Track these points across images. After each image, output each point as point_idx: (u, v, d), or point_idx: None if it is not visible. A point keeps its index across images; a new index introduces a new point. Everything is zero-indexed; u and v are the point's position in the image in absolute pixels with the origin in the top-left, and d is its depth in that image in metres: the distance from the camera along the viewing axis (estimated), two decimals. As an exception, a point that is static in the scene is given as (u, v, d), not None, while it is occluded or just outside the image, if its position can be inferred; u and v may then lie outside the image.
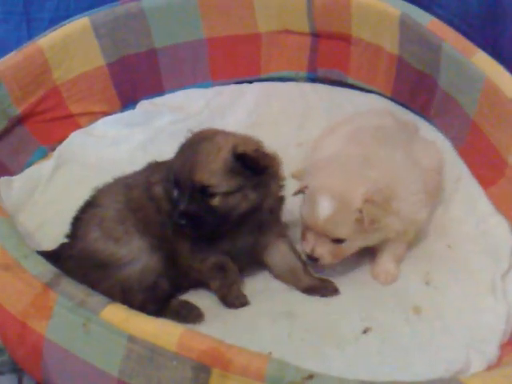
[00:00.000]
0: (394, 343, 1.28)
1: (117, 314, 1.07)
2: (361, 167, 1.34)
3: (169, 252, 1.32)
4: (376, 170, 1.34)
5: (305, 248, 1.36)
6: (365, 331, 1.31)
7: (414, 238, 1.46)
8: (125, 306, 1.10)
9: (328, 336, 1.29)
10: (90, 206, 1.36)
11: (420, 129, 1.69)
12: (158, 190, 1.34)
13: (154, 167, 1.40)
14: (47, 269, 1.14)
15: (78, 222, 1.36)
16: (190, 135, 1.32)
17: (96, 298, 1.10)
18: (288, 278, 1.40)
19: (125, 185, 1.38)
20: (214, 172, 1.23)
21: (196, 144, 1.27)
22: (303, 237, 1.37)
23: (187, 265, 1.33)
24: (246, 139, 1.30)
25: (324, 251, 1.34)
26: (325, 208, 1.29)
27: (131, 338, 1.03)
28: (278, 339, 1.29)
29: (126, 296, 1.27)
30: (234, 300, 1.35)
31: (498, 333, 1.29)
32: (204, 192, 1.24)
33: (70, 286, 1.12)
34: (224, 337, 1.22)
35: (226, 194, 1.25)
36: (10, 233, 1.20)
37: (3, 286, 1.14)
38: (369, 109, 1.76)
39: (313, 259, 1.35)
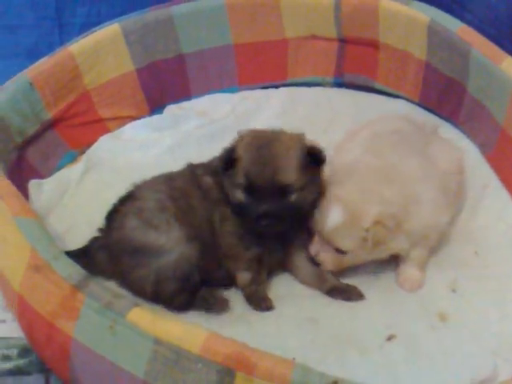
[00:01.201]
0: (418, 351, 1.27)
1: (143, 317, 1.08)
2: (377, 183, 1.34)
3: (204, 242, 1.35)
4: (392, 188, 1.34)
5: (310, 249, 1.38)
6: (389, 338, 1.30)
7: (437, 243, 1.45)
8: (151, 308, 1.12)
9: (352, 343, 1.29)
10: (128, 198, 1.40)
11: (439, 126, 1.70)
12: (207, 179, 1.38)
13: (194, 165, 1.45)
14: (76, 271, 1.17)
15: (115, 214, 1.39)
16: (239, 137, 1.34)
17: (123, 301, 1.12)
18: (313, 280, 1.42)
19: (167, 177, 1.42)
20: (292, 170, 1.28)
21: (266, 147, 1.29)
22: (312, 239, 1.39)
23: (226, 253, 1.37)
24: (299, 135, 1.35)
25: (326, 258, 1.36)
26: (334, 218, 1.31)
27: (157, 341, 1.04)
28: (301, 345, 1.29)
29: (158, 285, 1.31)
30: (260, 301, 1.37)
31: (526, 341, 1.27)
32: (284, 191, 1.28)
33: (97, 287, 1.14)
34: (248, 340, 1.23)
35: (301, 189, 1.29)
36: (40, 234, 1.23)
37: (33, 287, 1.16)
38: (385, 114, 1.75)
39: (315, 263, 1.38)
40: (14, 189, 1.35)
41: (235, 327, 1.32)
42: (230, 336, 1.10)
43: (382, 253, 1.36)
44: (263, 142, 1.30)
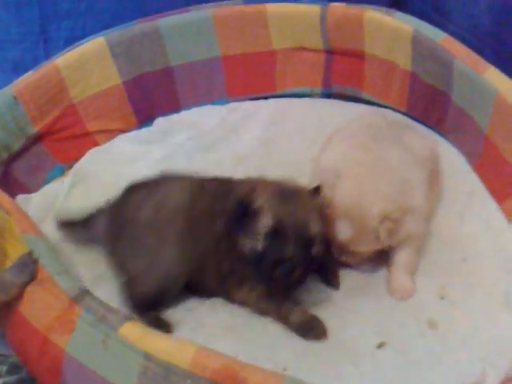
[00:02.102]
0: (408, 358, 1.28)
1: (134, 332, 1.08)
2: (371, 179, 1.37)
3: (201, 267, 1.35)
4: (386, 179, 1.37)
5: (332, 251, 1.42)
6: (380, 346, 1.31)
7: (422, 243, 1.47)
8: (141, 324, 1.12)
9: (343, 351, 1.29)
10: (155, 184, 1.39)
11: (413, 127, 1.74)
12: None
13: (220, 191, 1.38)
14: (76, 285, 1.18)
15: (137, 189, 1.39)
16: (250, 188, 1.30)
17: (115, 315, 1.12)
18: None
19: (196, 185, 1.38)
20: (317, 221, 1.28)
21: (292, 199, 1.28)
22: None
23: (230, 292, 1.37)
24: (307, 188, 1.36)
25: (349, 259, 1.42)
26: (343, 232, 1.35)
27: (147, 356, 1.04)
28: (292, 355, 1.29)
29: (137, 282, 1.33)
30: (303, 328, 1.33)
31: (514, 347, 1.28)
32: (311, 242, 1.27)
33: (93, 301, 1.15)
34: (239, 351, 1.24)
35: (320, 241, 1.30)
36: (46, 251, 1.25)
37: (33, 300, 1.17)
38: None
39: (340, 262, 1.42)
40: (19, 206, 1.36)
41: (225, 338, 1.31)
42: (219, 348, 1.11)
43: (397, 237, 1.39)
44: (287, 193, 1.29)
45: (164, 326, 1.31)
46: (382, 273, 1.48)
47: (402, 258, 1.44)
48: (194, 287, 1.39)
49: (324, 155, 1.56)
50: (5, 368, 1.29)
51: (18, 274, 1.17)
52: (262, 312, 1.36)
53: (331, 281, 1.44)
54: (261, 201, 1.27)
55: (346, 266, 1.46)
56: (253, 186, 1.31)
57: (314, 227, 1.28)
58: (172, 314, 1.38)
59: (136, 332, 1.09)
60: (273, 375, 1.01)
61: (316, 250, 1.29)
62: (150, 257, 1.33)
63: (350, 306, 1.40)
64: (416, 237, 1.43)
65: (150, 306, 1.35)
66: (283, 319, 1.34)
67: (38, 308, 1.17)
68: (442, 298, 1.42)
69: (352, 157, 1.43)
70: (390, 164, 1.41)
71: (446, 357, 1.28)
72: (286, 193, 1.30)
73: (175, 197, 1.36)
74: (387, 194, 1.34)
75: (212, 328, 1.35)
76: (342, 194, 1.36)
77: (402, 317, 1.37)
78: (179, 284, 1.36)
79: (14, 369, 1.29)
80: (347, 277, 1.46)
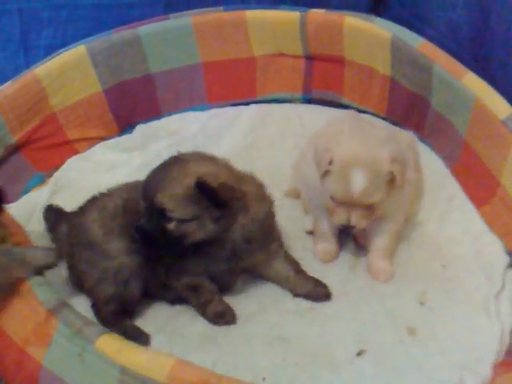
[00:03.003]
0: (388, 365, 1.28)
1: (110, 345, 1.08)
2: (367, 129, 1.41)
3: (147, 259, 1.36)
4: (380, 129, 1.42)
5: (338, 221, 1.38)
6: (359, 353, 1.31)
7: (401, 226, 1.50)
8: (118, 337, 1.12)
9: (323, 360, 1.29)
10: (104, 191, 1.45)
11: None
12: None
13: None
14: (54, 297, 1.19)
15: (91, 199, 1.45)
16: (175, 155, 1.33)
17: (92, 328, 1.13)
18: (283, 286, 1.45)
19: (133, 185, 1.43)
20: (173, 197, 1.24)
21: (167, 166, 1.29)
22: (331, 211, 1.39)
23: (166, 282, 1.38)
24: (220, 171, 1.29)
25: (358, 219, 1.37)
26: (359, 181, 1.32)
27: (123, 370, 1.04)
28: (272, 364, 1.29)
29: (100, 283, 1.34)
30: (215, 317, 1.37)
31: (492, 353, 1.29)
32: (162, 214, 1.25)
33: (70, 313, 1.16)
34: (218, 361, 1.24)
35: (182, 221, 1.25)
36: None
37: (11, 312, 1.18)
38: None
39: (349, 228, 1.38)
40: None
41: (204, 348, 1.31)
42: (198, 358, 1.10)
43: (402, 190, 1.39)
44: (168, 162, 1.30)
45: (139, 337, 1.31)
46: (360, 280, 1.48)
47: (379, 242, 1.47)
48: (152, 289, 1.40)
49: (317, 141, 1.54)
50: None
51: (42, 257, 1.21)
52: (188, 302, 1.38)
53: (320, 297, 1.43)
54: None
55: (349, 229, 1.40)
56: None
57: (171, 202, 1.23)
58: (150, 323, 1.38)
59: (113, 345, 1.09)
60: None
61: (173, 226, 1.25)
62: (102, 255, 1.35)
63: (330, 314, 1.40)
64: (395, 214, 1.45)
65: (117, 316, 1.35)
66: (201, 309, 1.37)
67: (15, 320, 1.17)
68: (422, 304, 1.42)
69: (347, 122, 1.46)
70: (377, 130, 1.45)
71: (426, 364, 1.28)
72: (165, 164, 1.30)
73: (116, 195, 1.42)
74: (387, 139, 1.38)
75: (191, 338, 1.35)
76: (348, 147, 1.34)
77: (381, 324, 1.37)
78: (132, 275, 1.36)
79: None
80: (327, 285, 1.45)
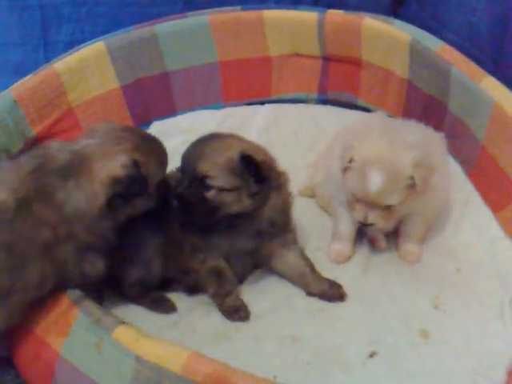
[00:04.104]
0: (400, 368, 1.27)
1: (127, 335, 1.10)
2: (397, 132, 1.40)
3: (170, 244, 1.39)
4: (411, 132, 1.41)
5: (356, 217, 1.40)
6: (371, 355, 1.30)
7: (434, 219, 1.53)
8: (136, 328, 1.13)
9: (334, 360, 1.29)
10: None
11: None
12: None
13: None
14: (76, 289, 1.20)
15: None
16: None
17: (110, 318, 1.14)
18: (296, 283, 1.45)
19: None
20: (215, 165, 1.27)
21: (209, 138, 1.33)
22: (351, 206, 1.41)
23: (188, 265, 1.39)
24: (259, 149, 1.35)
25: (376, 218, 1.38)
26: (376, 180, 1.32)
27: (139, 360, 1.05)
28: (283, 363, 1.29)
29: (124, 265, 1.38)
30: (231, 312, 1.38)
31: (506, 359, 1.27)
32: (202, 182, 1.28)
33: (91, 304, 1.18)
34: (229, 359, 1.23)
35: (221, 190, 1.28)
36: None
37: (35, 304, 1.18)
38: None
39: (366, 225, 1.39)
40: None
41: (216, 345, 1.32)
42: (210, 354, 1.10)
43: (426, 196, 1.39)
44: (207, 137, 1.34)
45: (165, 304, 1.39)
46: (373, 282, 1.47)
47: (410, 228, 1.50)
48: (171, 273, 1.43)
49: (321, 165, 1.58)
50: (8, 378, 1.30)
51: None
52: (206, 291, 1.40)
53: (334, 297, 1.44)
54: None
55: (367, 226, 1.41)
56: None
57: (209, 167, 1.27)
58: (163, 318, 1.39)
59: (130, 335, 1.10)
60: (263, 382, 1.02)
61: (212, 194, 1.27)
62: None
63: (342, 315, 1.40)
64: (426, 208, 1.46)
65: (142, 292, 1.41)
66: (220, 299, 1.38)
67: (37, 311, 1.18)
68: (436, 307, 1.41)
69: (377, 120, 1.48)
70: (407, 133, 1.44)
71: (439, 368, 1.27)
72: (204, 138, 1.34)
73: None
74: (416, 143, 1.37)
75: (203, 334, 1.35)
76: (371, 147, 1.35)
77: (394, 326, 1.37)
78: (157, 266, 1.40)
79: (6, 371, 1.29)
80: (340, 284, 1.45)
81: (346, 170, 1.38)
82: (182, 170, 1.34)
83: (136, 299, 1.41)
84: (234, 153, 1.28)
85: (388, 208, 1.37)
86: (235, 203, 1.29)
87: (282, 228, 1.39)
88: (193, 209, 1.29)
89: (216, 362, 1.05)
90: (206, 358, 1.06)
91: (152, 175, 1.27)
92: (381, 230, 1.49)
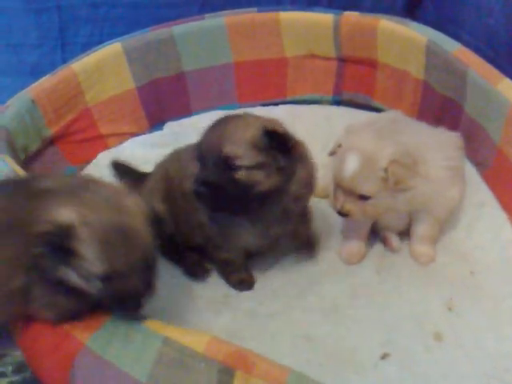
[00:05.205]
0: (413, 370, 1.27)
1: (155, 322, 1.11)
2: (392, 132, 1.41)
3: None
4: (406, 135, 1.41)
5: (335, 205, 1.41)
6: (383, 357, 1.30)
7: (445, 219, 1.52)
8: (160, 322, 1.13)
9: (347, 361, 1.29)
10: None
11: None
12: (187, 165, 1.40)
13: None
14: None
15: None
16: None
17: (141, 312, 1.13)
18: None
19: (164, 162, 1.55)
20: (241, 144, 1.23)
21: (225, 120, 1.29)
22: (334, 195, 1.43)
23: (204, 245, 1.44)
24: (277, 122, 1.32)
25: (352, 207, 1.39)
26: (351, 164, 1.35)
27: (166, 341, 1.06)
28: (296, 363, 1.25)
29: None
30: (235, 284, 1.46)
31: (521, 363, 1.26)
32: (229, 164, 1.23)
33: None
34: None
35: (250, 168, 1.24)
36: None
37: None
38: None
39: (343, 215, 1.41)
40: None
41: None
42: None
43: (405, 197, 1.39)
44: (224, 118, 1.29)
45: (198, 272, 1.47)
46: (386, 284, 1.47)
47: (420, 229, 1.50)
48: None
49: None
50: (10, 368, 1.31)
51: None
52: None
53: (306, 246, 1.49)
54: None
55: (342, 216, 1.42)
56: None
57: (236, 149, 1.23)
58: (175, 317, 1.39)
59: (157, 323, 1.12)
60: (281, 366, 1.05)
61: (241, 175, 1.24)
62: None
63: (354, 315, 1.40)
64: (433, 208, 1.45)
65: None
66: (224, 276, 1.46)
67: None
68: (450, 310, 1.41)
69: (380, 118, 1.53)
70: (413, 128, 1.48)
71: (452, 371, 1.26)
72: (221, 120, 1.30)
73: (155, 172, 1.58)
74: (404, 143, 1.37)
75: (216, 333, 1.33)
76: (358, 137, 1.38)
77: (407, 328, 1.36)
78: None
79: (19, 369, 1.30)
80: (351, 286, 1.46)
81: (332, 154, 1.43)
82: (200, 157, 1.27)
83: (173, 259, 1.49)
84: (256, 129, 1.24)
85: (364, 199, 1.37)
86: (265, 180, 1.25)
87: (304, 206, 1.40)
88: (223, 193, 1.24)
89: (237, 345, 1.08)
90: (227, 341, 1.08)
91: None
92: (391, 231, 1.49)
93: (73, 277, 1.05)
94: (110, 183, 1.16)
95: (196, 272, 1.48)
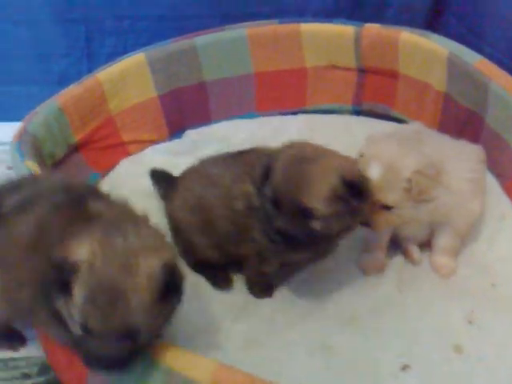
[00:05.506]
0: (433, 382, 1.26)
1: (156, 347, 1.06)
2: (414, 142, 1.41)
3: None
4: (429, 146, 1.41)
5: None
6: (403, 368, 1.29)
7: (466, 232, 1.50)
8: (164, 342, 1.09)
9: (366, 372, 1.28)
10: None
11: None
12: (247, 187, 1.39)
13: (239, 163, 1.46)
14: None
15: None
16: (284, 147, 1.31)
17: None
18: None
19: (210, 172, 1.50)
20: (319, 197, 1.23)
21: (301, 165, 1.25)
22: None
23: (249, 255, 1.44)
24: (353, 163, 1.32)
25: (376, 218, 1.38)
26: (374, 173, 1.34)
27: (168, 372, 1.03)
28: (314, 372, 1.28)
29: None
30: (256, 293, 1.47)
31: (543, 377, 1.24)
32: (305, 214, 1.24)
33: None
34: (260, 366, 1.24)
35: (326, 218, 1.24)
36: None
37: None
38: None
39: (365, 225, 1.39)
40: None
41: (247, 351, 1.33)
42: (241, 360, 1.11)
43: (428, 207, 1.38)
44: (299, 162, 1.26)
45: (223, 282, 1.48)
46: (406, 296, 1.46)
47: (441, 240, 1.49)
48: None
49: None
50: (35, 369, 1.32)
51: None
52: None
53: None
54: (276, 163, 1.30)
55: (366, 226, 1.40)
56: (284, 146, 1.34)
57: (314, 200, 1.23)
58: (193, 324, 1.39)
59: (157, 347, 1.07)
60: None
61: (317, 224, 1.24)
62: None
63: (373, 326, 1.39)
64: (454, 220, 1.45)
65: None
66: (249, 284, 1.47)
67: None
68: (470, 322, 1.39)
69: (401, 129, 1.53)
70: (435, 139, 1.48)
71: (471, 383, 1.25)
72: (299, 159, 1.27)
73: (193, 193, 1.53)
74: (427, 154, 1.37)
75: (235, 340, 1.36)
76: (380, 147, 1.38)
77: (427, 340, 1.35)
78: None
79: (44, 370, 1.32)
80: (371, 297, 1.46)
81: None
82: (275, 202, 1.26)
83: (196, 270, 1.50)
84: (334, 178, 1.23)
85: (386, 209, 1.37)
86: (339, 224, 1.27)
87: None
88: (295, 240, 1.26)
89: (245, 375, 1.02)
90: (234, 370, 1.03)
91: None
92: (382, 228, 1.45)
93: (64, 312, 1.02)
94: (155, 229, 1.10)
95: (221, 282, 1.49)
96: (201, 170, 1.53)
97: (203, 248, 1.47)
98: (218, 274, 1.50)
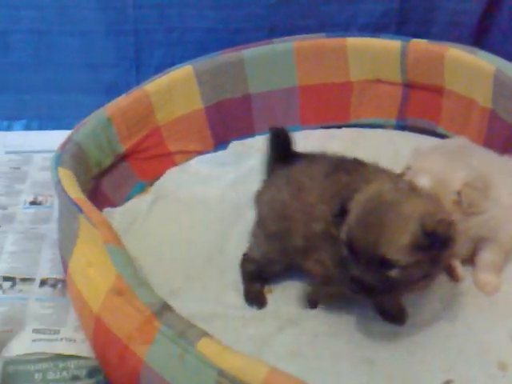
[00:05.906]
0: (477, 399, 1.26)
1: (210, 347, 1.11)
2: (462, 155, 1.42)
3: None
4: (475, 160, 1.41)
5: None
6: (447, 383, 1.29)
7: (511, 247, 1.49)
8: (218, 340, 1.14)
9: (409, 386, 1.29)
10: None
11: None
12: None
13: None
14: (156, 300, 1.22)
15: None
16: (370, 196, 1.22)
17: (193, 331, 1.15)
18: None
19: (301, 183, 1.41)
20: (399, 247, 1.17)
21: (380, 211, 1.18)
22: None
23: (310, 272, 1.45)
24: (432, 206, 1.22)
25: None
26: (423, 186, 1.32)
27: (221, 372, 1.06)
28: (358, 385, 1.30)
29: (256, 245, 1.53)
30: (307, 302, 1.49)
31: None
32: (383, 263, 1.19)
33: (172, 317, 1.19)
34: (304, 376, 1.22)
35: (405, 267, 1.19)
36: (127, 262, 1.30)
37: (113, 309, 1.22)
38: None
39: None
40: (104, 219, 1.44)
41: (291, 361, 1.34)
42: (285, 370, 1.11)
43: (476, 221, 1.38)
44: (376, 204, 1.19)
45: (256, 301, 1.49)
46: (450, 312, 1.46)
47: (485, 257, 1.47)
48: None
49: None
50: (85, 371, 1.36)
51: None
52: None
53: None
54: (352, 204, 1.23)
55: None
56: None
57: (394, 251, 1.17)
58: (240, 332, 1.43)
59: (213, 348, 1.11)
60: None
61: (395, 273, 1.19)
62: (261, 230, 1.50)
63: (417, 341, 1.39)
64: (500, 235, 1.44)
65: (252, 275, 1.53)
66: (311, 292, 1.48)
67: (118, 317, 1.21)
68: (514, 340, 1.39)
69: (448, 142, 1.54)
70: (482, 153, 1.51)
71: (516, 402, 1.25)
72: (377, 202, 1.20)
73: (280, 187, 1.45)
74: (476, 167, 1.38)
75: (278, 349, 1.38)
76: (428, 160, 1.39)
77: (470, 356, 1.35)
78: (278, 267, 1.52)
79: (93, 373, 1.35)
80: (416, 314, 1.45)
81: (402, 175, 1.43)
82: (353, 248, 1.21)
83: (244, 276, 1.54)
84: (415, 227, 1.16)
85: None
86: (418, 273, 1.22)
87: None
88: (373, 289, 1.22)
89: (296, 379, 1.06)
90: (287, 374, 1.06)
91: None
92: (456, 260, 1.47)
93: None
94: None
95: (256, 301, 1.50)
96: (296, 174, 1.44)
97: (272, 249, 1.47)
98: (256, 293, 1.51)
